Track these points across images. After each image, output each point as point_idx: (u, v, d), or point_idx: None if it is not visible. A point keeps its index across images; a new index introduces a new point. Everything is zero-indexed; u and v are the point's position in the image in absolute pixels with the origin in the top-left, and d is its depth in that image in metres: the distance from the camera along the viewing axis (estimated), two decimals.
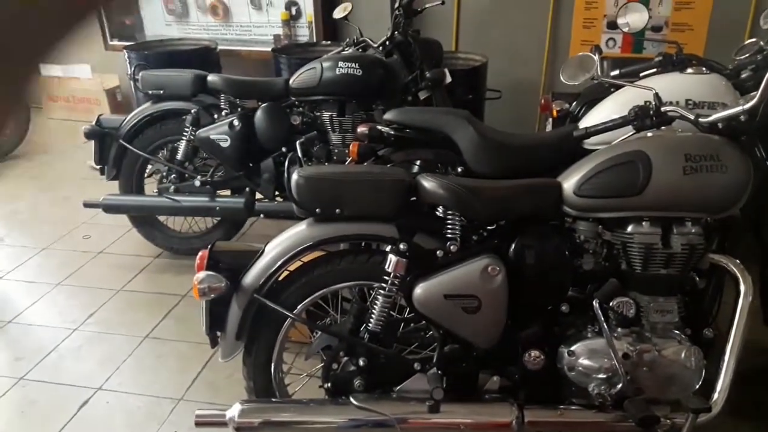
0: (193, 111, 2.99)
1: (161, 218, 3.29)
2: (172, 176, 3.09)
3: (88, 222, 3.64)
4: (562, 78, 2.15)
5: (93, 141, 3.10)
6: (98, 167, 3.16)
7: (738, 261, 1.63)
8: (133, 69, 3.57)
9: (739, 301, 1.61)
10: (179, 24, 4.96)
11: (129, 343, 2.56)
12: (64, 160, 4.69)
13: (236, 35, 4.85)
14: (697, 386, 1.64)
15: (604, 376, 1.63)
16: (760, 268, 1.94)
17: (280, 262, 1.67)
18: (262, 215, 3.08)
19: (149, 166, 3.19)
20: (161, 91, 3.05)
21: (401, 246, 1.61)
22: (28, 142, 4.86)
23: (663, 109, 1.63)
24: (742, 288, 1.61)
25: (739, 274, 1.61)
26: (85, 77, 5.43)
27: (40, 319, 2.74)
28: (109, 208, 3.07)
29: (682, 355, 1.61)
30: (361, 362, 1.69)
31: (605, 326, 1.59)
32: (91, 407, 2.21)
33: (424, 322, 1.78)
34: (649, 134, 1.64)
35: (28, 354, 2.50)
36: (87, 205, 3.12)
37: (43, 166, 4.61)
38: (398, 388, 1.70)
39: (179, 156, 3.04)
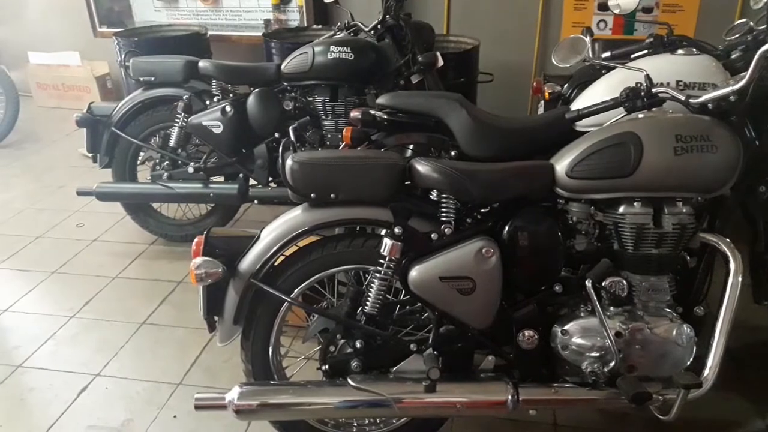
0: (184, 97, 2.98)
1: (155, 205, 3.29)
2: (165, 163, 3.09)
3: (81, 210, 3.64)
4: (553, 60, 2.16)
5: (85, 129, 3.09)
6: (90, 155, 3.16)
7: (728, 240, 1.65)
8: (123, 56, 3.54)
9: (728, 279, 1.64)
10: (168, 9, 4.91)
11: (126, 329, 2.57)
12: (55, 149, 4.67)
13: (226, 20, 4.82)
14: (689, 363, 1.67)
15: (597, 354, 1.66)
16: (749, 246, 1.97)
17: (276, 247, 1.68)
18: (255, 201, 3.09)
19: (142, 154, 3.19)
20: (152, 78, 3.04)
21: (396, 230, 1.62)
22: (17, 131, 4.83)
23: (654, 90, 1.64)
24: (732, 266, 1.63)
25: (729, 253, 1.63)
26: (74, 64, 5.39)
27: (37, 307, 2.75)
28: (103, 196, 3.08)
29: (674, 332, 1.63)
30: (357, 344, 1.71)
31: (598, 305, 1.62)
32: (90, 393, 2.22)
33: (419, 304, 1.80)
34: (640, 115, 1.65)
35: (26, 342, 2.51)
36: (80, 193, 3.12)
37: (34, 155, 4.58)
38: (395, 369, 1.72)
39: (172, 143, 3.04)
